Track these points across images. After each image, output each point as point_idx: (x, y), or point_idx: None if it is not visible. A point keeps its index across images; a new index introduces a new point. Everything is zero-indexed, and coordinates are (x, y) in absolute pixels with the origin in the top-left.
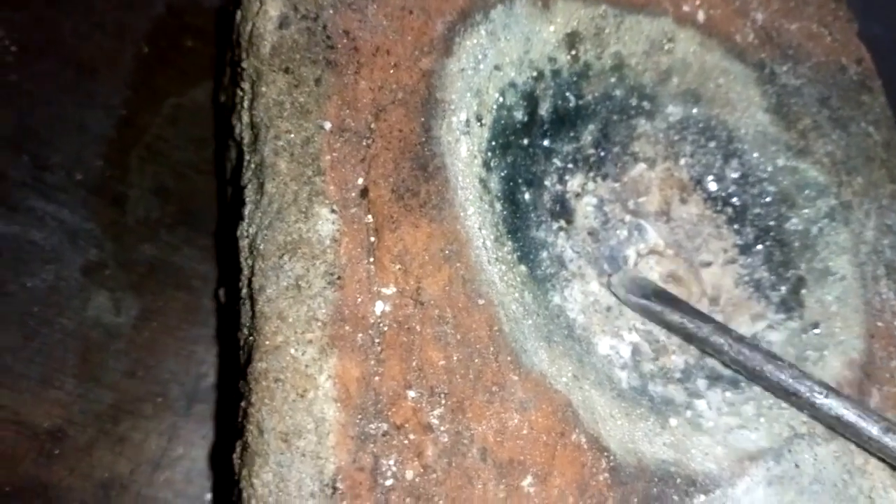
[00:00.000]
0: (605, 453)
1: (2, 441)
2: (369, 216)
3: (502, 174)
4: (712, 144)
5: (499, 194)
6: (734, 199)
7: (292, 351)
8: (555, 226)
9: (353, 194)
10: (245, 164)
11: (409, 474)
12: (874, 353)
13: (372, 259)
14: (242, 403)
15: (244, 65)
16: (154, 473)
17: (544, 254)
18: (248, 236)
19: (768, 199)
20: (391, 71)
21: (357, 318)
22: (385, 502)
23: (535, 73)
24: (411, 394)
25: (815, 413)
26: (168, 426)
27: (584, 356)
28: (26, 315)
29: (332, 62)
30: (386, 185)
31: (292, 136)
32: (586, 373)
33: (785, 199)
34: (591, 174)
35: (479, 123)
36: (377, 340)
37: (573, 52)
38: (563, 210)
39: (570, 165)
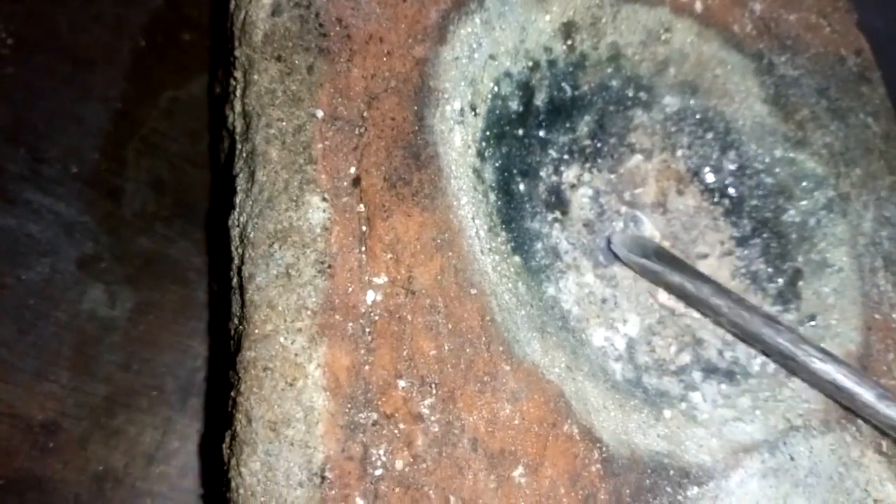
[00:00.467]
0: (598, 444)
1: None
2: (361, 205)
3: (497, 164)
4: (709, 136)
5: (493, 184)
6: (731, 191)
7: (282, 339)
8: (550, 217)
9: (345, 183)
10: (237, 153)
11: (399, 464)
12: (871, 345)
13: (363, 248)
14: (232, 392)
15: (237, 53)
16: (149, 467)
17: (539, 245)
18: (238, 225)
19: (765, 191)
20: (384, 59)
21: (347, 306)
22: (374, 492)
23: (530, 63)
24: (402, 383)
25: (812, 378)
26: (163, 420)
27: (578, 347)
28: (21, 308)
29: (325, 50)
30: (378, 174)
31: (284, 124)
32: (580, 364)
33: (782, 191)
34: (587, 165)
35: (473, 113)
36: (368, 329)
37: (569, 42)
38: (558, 201)
39: (565, 156)
